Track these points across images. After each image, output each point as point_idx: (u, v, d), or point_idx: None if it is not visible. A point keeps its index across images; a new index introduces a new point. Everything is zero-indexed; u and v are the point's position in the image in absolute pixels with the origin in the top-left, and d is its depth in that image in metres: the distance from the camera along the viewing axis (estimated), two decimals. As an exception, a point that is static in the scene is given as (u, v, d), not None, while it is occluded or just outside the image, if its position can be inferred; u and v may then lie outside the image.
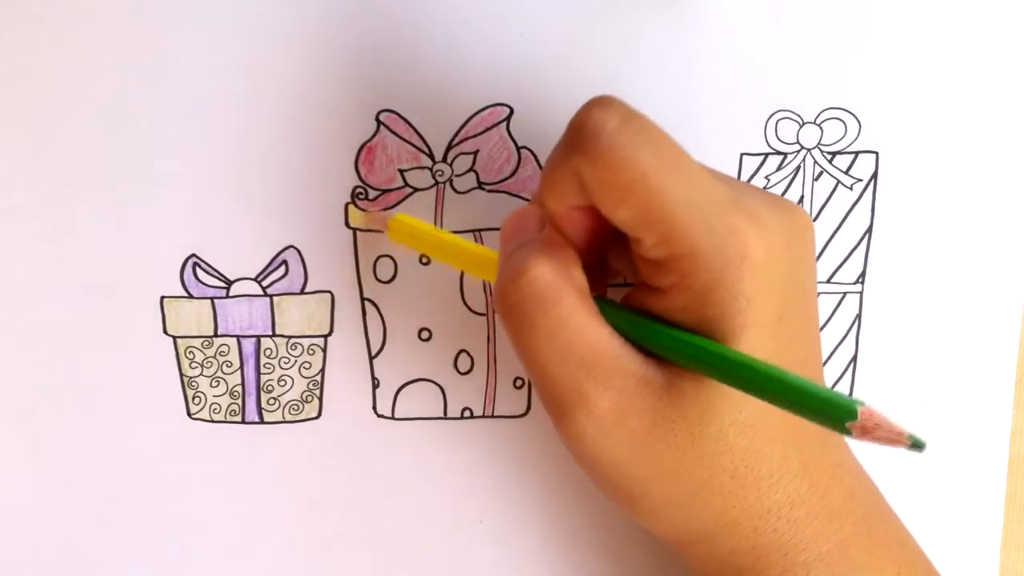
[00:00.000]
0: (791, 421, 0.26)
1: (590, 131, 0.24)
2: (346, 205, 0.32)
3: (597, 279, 0.28)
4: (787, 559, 0.26)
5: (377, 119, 0.32)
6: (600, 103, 0.24)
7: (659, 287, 0.25)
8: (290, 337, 0.33)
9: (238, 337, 0.33)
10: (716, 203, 0.24)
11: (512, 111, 0.32)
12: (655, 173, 0.23)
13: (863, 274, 0.33)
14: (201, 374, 0.33)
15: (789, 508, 0.26)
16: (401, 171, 0.32)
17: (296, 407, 0.33)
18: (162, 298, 0.32)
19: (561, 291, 0.25)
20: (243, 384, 0.33)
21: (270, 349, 0.33)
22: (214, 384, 0.33)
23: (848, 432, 0.21)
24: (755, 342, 0.24)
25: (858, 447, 0.26)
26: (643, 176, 0.23)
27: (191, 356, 0.33)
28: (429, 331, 0.33)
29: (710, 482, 0.26)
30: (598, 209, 0.25)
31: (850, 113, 0.32)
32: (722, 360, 0.24)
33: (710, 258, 0.24)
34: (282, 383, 0.33)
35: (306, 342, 0.33)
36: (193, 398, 0.33)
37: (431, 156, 0.32)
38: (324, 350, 0.33)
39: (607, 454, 0.25)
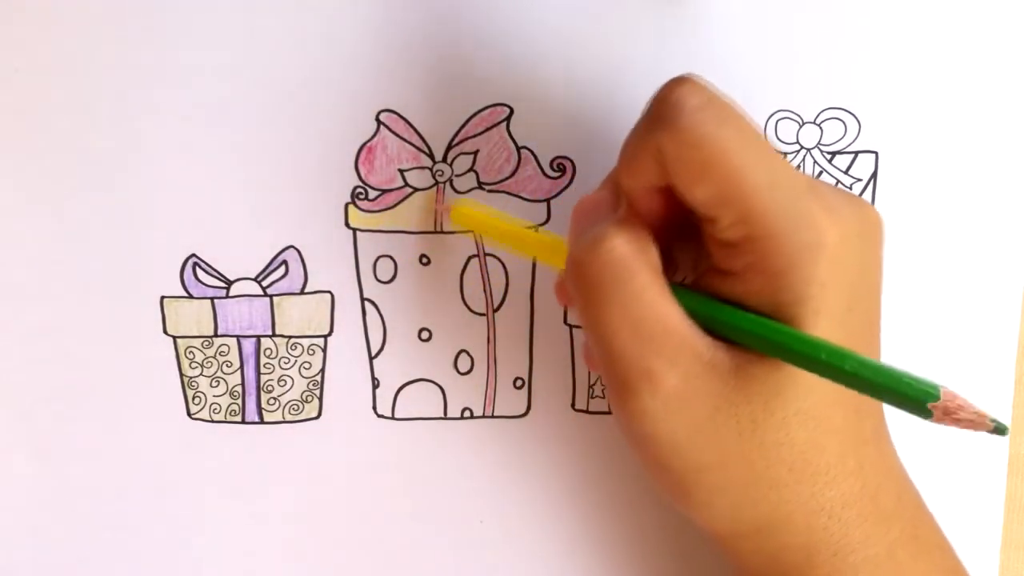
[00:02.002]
0: (851, 418, 0.26)
1: (673, 106, 0.24)
2: (346, 205, 0.32)
3: (669, 261, 0.28)
4: (836, 559, 0.26)
5: (377, 119, 0.32)
6: (683, 81, 0.24)
7: (732, 270, 0.25)
8: (290, 337, 0.33)
9: (238, 337, 0.33)
10: (795, 188, 0.24)
11: (512, 111, 0.32)
12: (737, 151, 0.23)
13: (863, 274, 0.33)
14: (201, 374, 0.33)
15: (842, 507, 0.26)
16: (401, 171, 0.32)
17: (296, 407, 0.33)
18: (162, 298, 0.32)
19: (636, 265, 0.25)
20: (243, 384, 0.33)
21: (270, 349, 0.33)
22: (214, 384, 0.33)
23: (930, 414, 0.21)
24: (826, 330, 0.24)
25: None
26: (724, 153, 0.23)
27: (191, 356, 0.33)
28: (429, 331, 0.33)
29: (767, 473, 0.25)
30: (673, 191, 0.25)
31: (850, 113, 0.32)
32: (802, 342, 0.24)
33: (787, 241, 0.24)
34: (282, 383, 0.33)
35: (306, 342, 0.33)
36: (193, 398, 0.33)
37: (431, 156, 0.32)
38: (324, 350, 0.33)
39: (667, 435, 0.25)
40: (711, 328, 0.25)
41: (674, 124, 0.23)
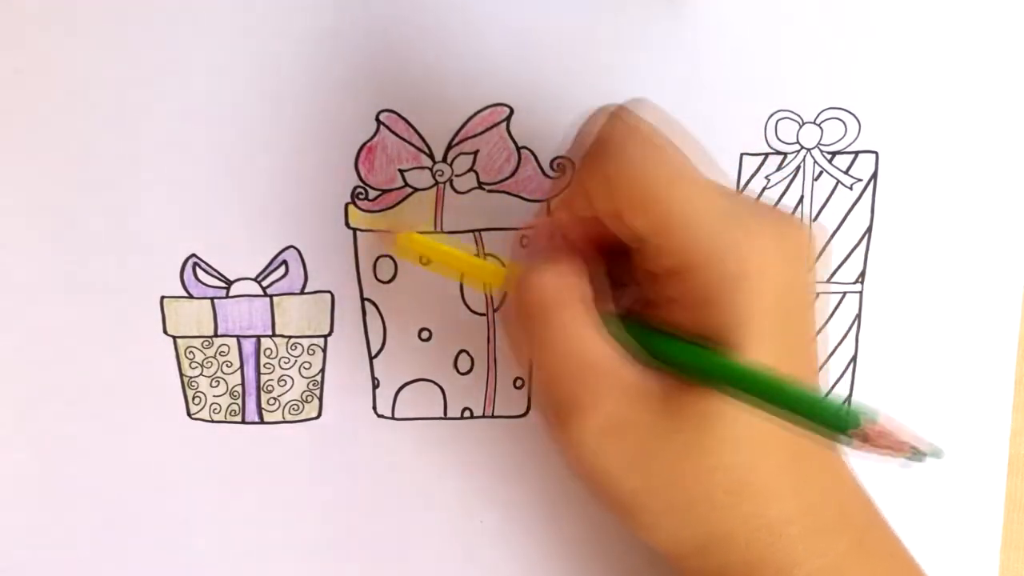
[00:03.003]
0: (787, 438, 0.26)
1: (598, 142, 0.24)
2: (346, 205, 0.32)
3: (602, 291, 0.28)
4: (781, 574, 0.26)
5: (377, 119, 0.32)
6: (610, 114, 0.25)
7: (659, 300, 0.25)
8: (290, 337, 0.33)
9: (238, 337, 0.33)
10: (717, 217, 0.24)
11: (512, 111, 0.32)
12: (660, 184, 0.24)
13: (863, 274, 0.33)
14: (201, 374, 0.33)
15: (783, 524, 0.26)
16: (401, 171, 0.32)
17: (296, 407, 0.33)
18: (162, 298, 0.32)
19: (564, 297, 0.25)
20: (243, 384, 0.33)
21: (270, 349, 0.33)
22: (214, 384, 0.33)
23: (850, 441, 0.21)
24: (758, 354, 0.25)
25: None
26: (646, 186, 0.24)
27: (191, 356, 0.33)
28: (429, 331, 0.33)
29: (705, 496, 0.26)
30: (601, 220, 0.25)
31: (850, 113, 0.32)
32: (723, 368, 0.24)
33: (709, 273, 0.24)
34: (282, 383, 0.33)
35: (306, 342, 0.33)
36: (193, 398, 0.33)
37: (431, 156, 0.32)
38: (324, 350, 0.33)
39: (603, 464, 0.25)
40: (644, 356, 0.26)
41: (598, 160, 0.24)
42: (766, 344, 0.25)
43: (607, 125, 0.24)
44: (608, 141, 0.24)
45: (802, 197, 0.33)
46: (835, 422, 0.22)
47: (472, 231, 0.32)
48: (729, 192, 0.27)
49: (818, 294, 0.33)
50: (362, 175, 0.32)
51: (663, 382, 0.25)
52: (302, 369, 0.33)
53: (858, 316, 0.33)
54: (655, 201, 0.24)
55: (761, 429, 0.25)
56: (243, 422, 0.33)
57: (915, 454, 0.21)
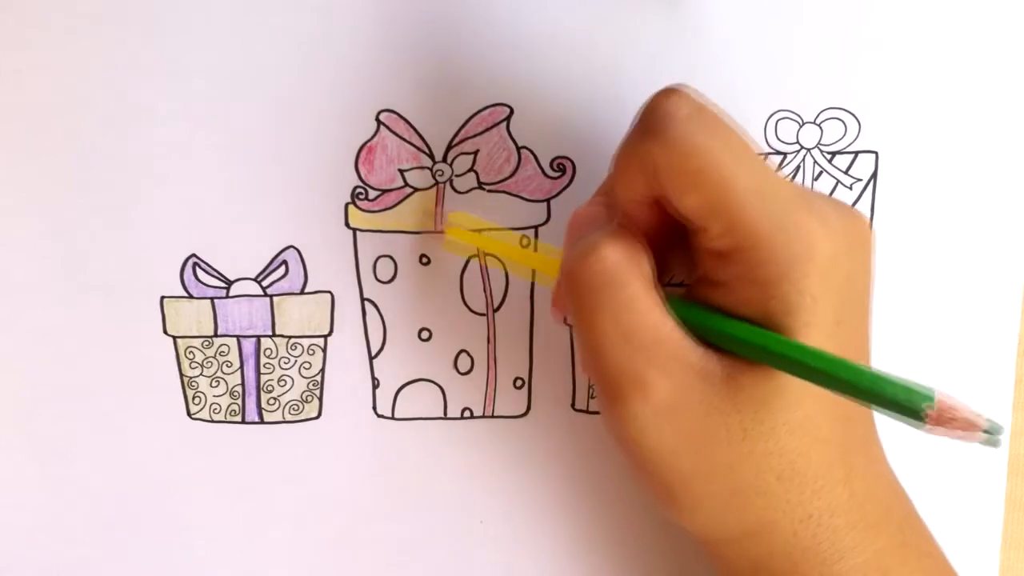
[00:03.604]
0: (840, 427, 0.26)
1: (662, 117, 0.24)
2: (346, 205, 0.32)
3: (659, 276, 0.28)
4: (823, 567, 0.26)
5: (377, 119, 0.32)
6: (673, 91, 0.24)
7: (722, 280, 0.25)
8: (290, 337, 0.33)
9: (238, 337, 0.33)
10: (785, 198, 0.24)
11: (512, 111, 0.32)
12: (726, 162, 0.23)
13: (863, 274, 0.33)
14: (201, 374, 0.33)
15: (830, 516, 0.26)
16: (401, 171, 0.32)
17: (296, 407, 0.33)
18: (162, 298, 0.32)
19: (629, 274, 0.25)
20: (243, 384, 0.33)
21: (270, 349, 0.33)
22: (214, 384, 0.33)
23: (923, 422, 0.21)
24: (816, 341, 0.24)
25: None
26: (714, 164, 0.23)
27: (191, 356, 0.33)
28: (429, 331, 0.33)
29: (755, 481, 0.25)
30: (664, 203, 0.25)
31: (850, 113, 0.32)
32: (795, 349, 0.24)
33: (778, 252, 0.24)
34: (282, 383, 0.33)
35: (306, 342, 0.33)
36: (193, 398, 0.33)
37: (431, 156, 0.32)
38: (324, 350, 0.33)
39: (656, 443, 0.25)
40: (703, 337, 0.26)
41: (664, 135, 0.24)
42: (827, 331, 0.25)
43: (670, 103, 0.24)
44: (673, 118, 0.24)
45: (802, 197, 0.33)
46: (908, 404, 0.22)
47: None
48: (792, 181, 0.27)
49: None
50: (362, 175, 0.32)
51: (723, 363, 0.25)
52: (302, 369, 0.33)
53: (858, 316, 0.33)
54: (723, 178, 0.23)
55: (817, 417, 0.25)
56: (243, 422, 0.33)
57: (990, 436, 0.21)
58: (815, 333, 0.24)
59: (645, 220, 0.26)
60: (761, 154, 0.27)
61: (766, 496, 0.26)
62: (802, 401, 0.25)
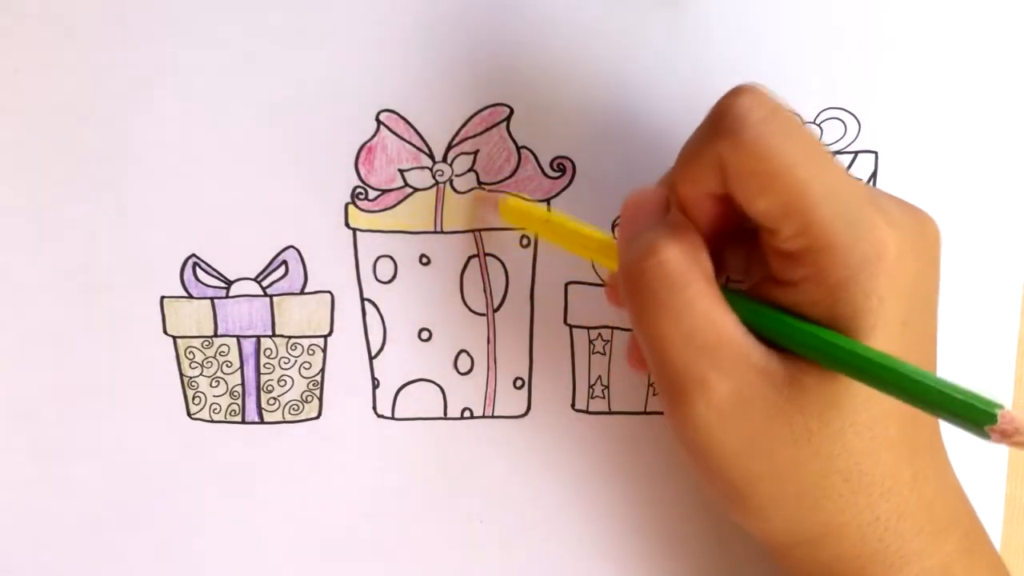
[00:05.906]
0: (907, 429, 0.25)
1: (736, 117, 0.24)
2: (346, 205, 0.32)
3: (715, 272, 0.28)
4: (891, 571, 0.26)
5: (377, 119, 0.32)
6: (748, 91, 0.24)
7: (789, 280, 0.25)
8: (290, 337, 0.33)
9: (238, 337, 0.33)
10: (856, 199, 0.24)
11: (512, 111, 0.32)
12: (801, 164, 0.23)
13: (863, 274, 0.33)
14: (201, 374, 0.33)
15: (897, 519, 0.26)
16: (401, 171, 0.32)
17: (296, 407, 0.33)
18: (162, 298, 0.32)
19: (690, 274, 0.25)
20: (243, 384, 0.33)
21: (270, 349, 0.33)
22: (214, 384, 0.33)
23: (987, 435, 0.21)
24: (883, 343, 0.24)
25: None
26: (788, 166, 0.23)
27: (191, 356, 0.33)
28: (429, 331, 0.33)
29: (822, 484, 0.25)
30: (730, 198, 0.25)
31: (850, 113, 0.32)
32: (859, 355, 0.23)
33: (847, 253, 0.24)
34: (282, 383, 0.33)
35: (306, 342, 0.33)
36: (193, 398, 0.33)
37: (431, 156, 0.32)
38: (324, 350, 0.33)
39: (720, 445, 0.25)
40: (765, 337, 0.25)
41: (738, 136, 0.23)
42: (894, 332, 0.24)
43: (743, 104, 0.24)
44: (746, 120, 0.23)
45: (802, 197, 0.33)
46: (974, 416, 0.21)
47: (472, 231, 0.32)
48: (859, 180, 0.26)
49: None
50: (362, 175, 0.32)
51: (786, 363, 0.25)
52: (302, 369, 0.33)
53: (858, 316, 0.33)
54: (798, 182, 0.23)
55: (885, 419, 0.25)
56: (243, 422, 0.33)
57: None
58: (881, 335, 0.24)
59: (706, 214, 0.26)
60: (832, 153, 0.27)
61: (833, 499, 0.25)
62: (869, 403, 0.25)
